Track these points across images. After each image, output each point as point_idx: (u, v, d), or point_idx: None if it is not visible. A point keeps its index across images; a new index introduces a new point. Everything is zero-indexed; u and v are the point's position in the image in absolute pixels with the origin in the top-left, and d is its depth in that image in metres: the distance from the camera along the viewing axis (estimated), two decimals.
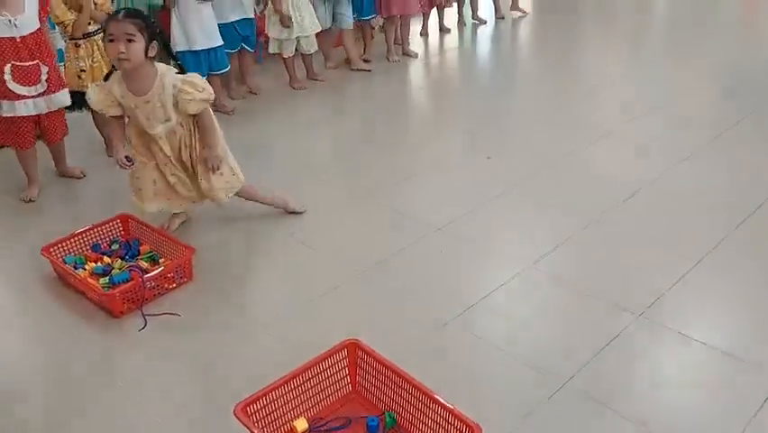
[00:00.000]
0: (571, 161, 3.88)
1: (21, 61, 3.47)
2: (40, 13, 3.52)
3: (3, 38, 3.39)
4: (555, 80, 5.34)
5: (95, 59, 3.92)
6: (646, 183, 3.54)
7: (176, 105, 2.90)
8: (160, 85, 2.87)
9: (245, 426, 1.95)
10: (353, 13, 5.55)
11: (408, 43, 6.08)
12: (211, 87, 2.98)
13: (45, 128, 3.72)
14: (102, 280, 2.84)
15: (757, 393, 2.19)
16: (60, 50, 4.32)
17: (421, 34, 6.61)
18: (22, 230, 3.41)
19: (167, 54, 3.00)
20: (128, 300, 2.72)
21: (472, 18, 6.93)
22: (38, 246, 3.01)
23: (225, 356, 2.48)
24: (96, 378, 2.41)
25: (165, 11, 4.58)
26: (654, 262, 2.89)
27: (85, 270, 2.95)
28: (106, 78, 2.95)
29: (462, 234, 3.18)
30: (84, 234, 3.13)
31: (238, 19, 4.81)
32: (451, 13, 6.82)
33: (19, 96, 3.51)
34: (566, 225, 3.19)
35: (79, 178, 3.94)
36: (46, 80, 3.55)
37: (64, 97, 3.67)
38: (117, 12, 2.86)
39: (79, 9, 3.79)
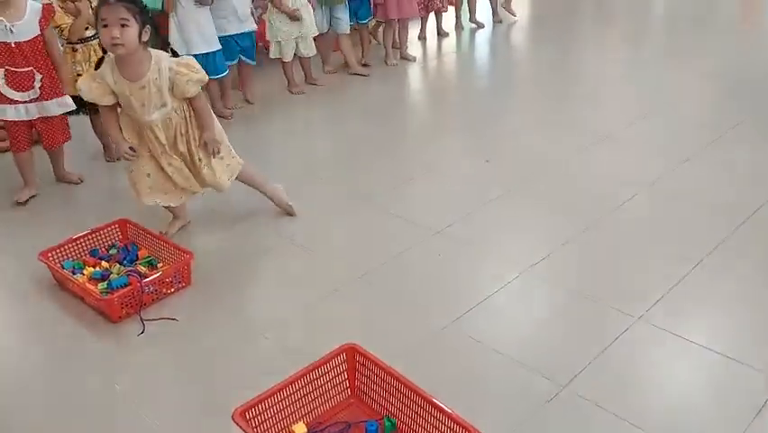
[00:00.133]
0: (570, 163, 3.87)
1: (15, 67, 3.47)
2: (41, 21, 3.52)
3: None
4: (554, 83, 5.34)
5: (92, 64, 3.90)
6: (646, 185, 3.53)
7: (171, 89, 2.89)
8: (156, 69, 2.84)
9: (244, 431, 1.94)
10: (351, 18, 5.56)
11: (406, 47, 6.09)
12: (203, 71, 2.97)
13: (42, 133, 3.72)
14: (100, 285, 2.83)
15: (757, 396, 2.18)
16: None
17: (419, 38, 6.62)
18: (21, 235, 3.41)
19: (157, 38, 2.97)
20: (126, 305, 2.71)
21: (470, 21, 6.94)
22: (36, 251, 3.00)
23: (224, 361, 2.47)
24: (95, 383, 2.41)
25: (163, 15, 4.58)
26: (654, 264, 2.89)
27: (83, 275, 2.94)
28: (97, 66, 2.91)
29: (461, 237, 3.18)
30: (82, 239, 3.12)
31: (237, 33, 4.81)
32: (449, 17, 6.82)
33: (11, 101, 3.51)
34: (565, 228, 3.18)
35: (77, 183, 3.94)
36: (39, 87, 3.55)
37: (56, 106, 3.65)
38: None
39: (77, 14, 3.79)
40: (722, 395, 2.22)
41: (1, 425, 2.25)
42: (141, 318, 2.70)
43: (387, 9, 5.62)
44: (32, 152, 3.75)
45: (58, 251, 3.04)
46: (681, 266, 2.84)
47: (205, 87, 3.08)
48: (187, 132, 3.04)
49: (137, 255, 3.07)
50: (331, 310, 2.72)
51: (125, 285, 2.78)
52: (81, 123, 4.17)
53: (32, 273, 3.03)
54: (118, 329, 2.68)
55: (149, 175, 3.08)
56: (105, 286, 2.82)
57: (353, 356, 2.20)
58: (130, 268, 2.94)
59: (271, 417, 2.06)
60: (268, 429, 2.05)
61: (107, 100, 2.92)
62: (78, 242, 3.11)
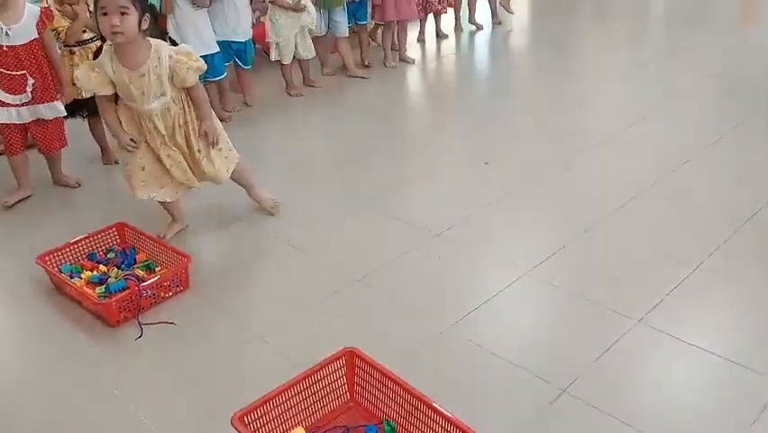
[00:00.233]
0: (569, 164, 3.87)
1: (7, 69, 3.46)
2: (39, 25, 3.51)
3: None
4: (553, 85, 5.34)
5: None
6: (645, 187, 3.52)
7: (171, 78, 2.89)
8: (156, 57, 2.84)
9: None
10: (350, 20, 5.56)
11: (405, 49, 6.09)
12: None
13: (38, 139, 3.72)
14: (98, 289, 2.82)
15: (757, 399, 2.17)
16: None
17: (418, 40, 6.62)
18: (18, 239, 3.40)
19: (155, 29, 2.97)
20: (124, 309, 2.70)
21: (469, 21, 6.94)
22: (33, 255, 2.99)
23: (222, 365, 2.46)
24: (93, 387, 2.39)
25: (161, 18, 4.57)
26: (654, 267, 2.88)
27: (81, 279, 2.93)
28: (96, 56, 2.90)
29: (460, 239, 3.17)
30: (80, 243, 3.12)
31: (233, 41, 4.81)
32: (447, 19, 6.82)
33: (2, 104, 3.52)
34: (565, 230, 3.17)
35: (74, 187, 3.93)
36: (31, 91, 3.54)
37: (48, 111, 3.65)
38: None
39: (74, 17, 3.78)
40: (723, 398, 2.21)
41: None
42: (139, 322, 2.69)
43: (385, 11, 5.62)
44: (26, 154, 3.75)
45: (55, 254, 3.03)
46: (681, 268, 2.84)
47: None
48: (185, 123, 3.03)
49: (135, 259, 3.07)
50: (330, 314, 2.71)
51: (123, 289, 2.77)
52: (79, 126, 4.16)
53: (30, 277, 3.02)
54: (116, 333, 2.67)
55: (143, 169, 3.06)
56: (103, 290, 2.81)
57: (353, 360, 2.19)
58: (128, 272, 2.93)
59: (270, 421, 2.05)
60: None
61: (106, 90, 2.90)
62: (76, 245, 3.10)
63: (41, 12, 3.54)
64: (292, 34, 5.07)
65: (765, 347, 2.40)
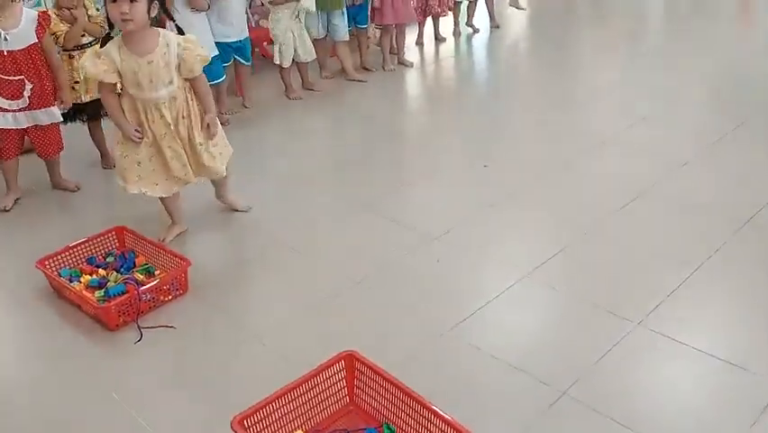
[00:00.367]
0: (568, 167, 3.87)
1: (5, 75, 3.46)
2: (38, 29, 3.51)
3: None
4: (552, 88, 5.34)
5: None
6: (645, 189, 3.52)
7: (178, 67, 2.91)
8: (164, 44, 2.86)
9: None
10: (350, 23, 5.56)
11: (404, 53, 6.09)
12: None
13: (36, 144, 3.72)
14: (97, 293, 2.82)
15: (756, 401, 2.17)
16: None
17: (416, 44, 6.62)
18: (17, 243, 3.39)
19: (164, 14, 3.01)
20: (123, 313, 2.70)
21: (466, 24, 6.94)
22: (33, 259, 2.98)
23: (222, 368, 2.46)
24: (92, 391, 2.39)
25: (160, 24, 4.57)
26: (653, 269, 2.88)
27: (80, 283, 2.93)
28: (103, 44, 2.90)
29: (460, 242, 3.17)
30: (79, 247, 3.11)
31: (231, 40, 4.81)
32: (446, 22, 6.83)
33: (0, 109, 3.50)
34: (564, 233, 3.17)
35: (74, 191, 3.93)
36: (29, 97, 3.54)
37: (45, 116, 3.64)
38: None
39: (72, 21, 3.78)
40: (722, 400, 2.21)
41: None
42: (138, 326, 2.68)
43: (383, 14, 5.62)
44: (17, 159, 3.74)
45: (55, 259, 3.02)
46: (680, 270, 2.84)
47: None
48: (188, 114, 3.03)
49: (134, 263, 3.06)
50: (329, 316, 2.71)
51: (122, 293, 2.76)
52: (78, 130, 4.16)
53: (30, 281, 3.01)
54: (115, 337, 2.67)
55: (139, 164, 3.05)
56: (103, 294, 2.80)
57: (352, 363, 2.19)
58: (127, 276, 2.93)
59: (270, 425, 2.04)
60: None
61: (111, 78, 2.89)
62: (75, 250, 3.10)
63: (39, 16, 3.54)
64: (292, 24, 5.04)
65: (765, 349, 2.40)
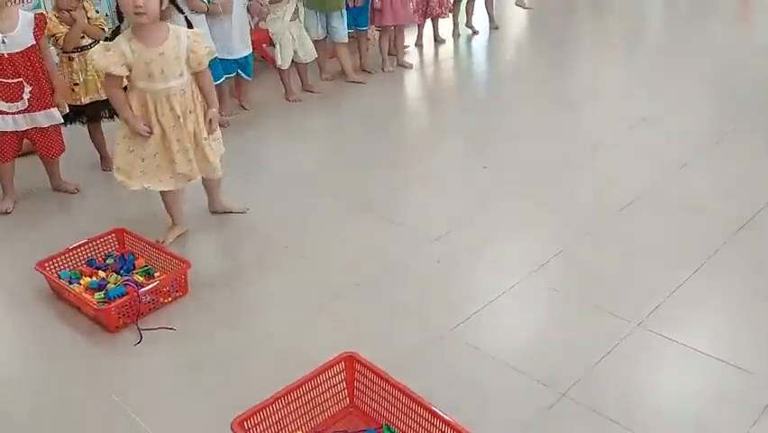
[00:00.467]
0: (568, 168, 3.87)
1: (4, 78, 3.46)
2: (36, 32, 3.51)
3: None
4: (551, 89, 5.34)
5: (89, 73, 3.90)
6: (644, 191, 3.52)
7: (186, 60, 2.93)
8: (174, 36, 2.89)
9: None
10: (350, 25, 5.56)
11: (403, 54, 6.09)
12: None
13: (37, 145, 3.72)
14: (97, 295, 2.82)
15: (756, 401, 2.17)
16: None
17: (416, 45, 6.62)
18: (17, 245, 3.39)
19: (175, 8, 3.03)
20: (123, 315, 2.70)
21: (466, 25, 6.94)
22: (33, 261, 2.99)
23: (221, 370, 2.46)
24: (92, 393, 2.39)
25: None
26: (652, 271, 2.88)
27: (80, 285, 2.93)
28: (112, 37, 2.92)
29: (459, 244, 3.17)
30: (79, 249, 3.11)
31: (234, 57, 4.82)
32: (446, 24, 6.83)
33: None
34: (563, 235, 3.17)
35: (73, 193, 3.93)
36: (28, 99, 3.54)
37: (44, 118, 3.64)
38: None
39: (72, 23, 3.77)
40: (722, 401, 2.21)
41: None
42: (138, 328, 2.68)
43: (382, 16, 5.62)
44: (14, 163, 3.74)
45: (54, 261, 3.03)
46: (680, 271, 2.84)
47: None
48: (195, 109, 3.05)
49: (134, 265, 3.06)
50: (329, 318, 2.71)
51: (122, 295, 2.76)
52: (78, 133, 4.16)
53: (30, 282, 3.02)
54: (115, 339, 2.67)
55: (143, 160, 3.05)
56: (102, 296, 2.81)
57: (352, 365, 2.19)
58: (127, 277, 2.93)
59: (270, 426, 2.04)
60: None
61: (120, 71, 2.89)
62: (75, 252, 3.10)
63: (35, 18, 3.54)
64: (290, 24, 5.03)
65: (764, 350, 2.40)
